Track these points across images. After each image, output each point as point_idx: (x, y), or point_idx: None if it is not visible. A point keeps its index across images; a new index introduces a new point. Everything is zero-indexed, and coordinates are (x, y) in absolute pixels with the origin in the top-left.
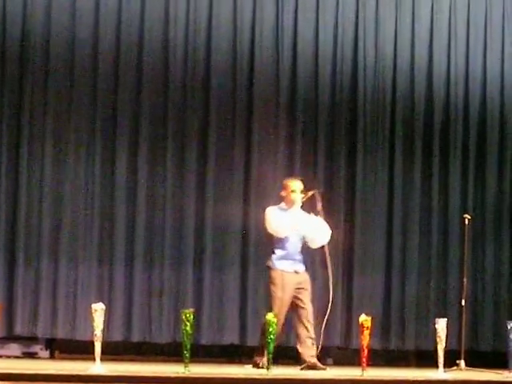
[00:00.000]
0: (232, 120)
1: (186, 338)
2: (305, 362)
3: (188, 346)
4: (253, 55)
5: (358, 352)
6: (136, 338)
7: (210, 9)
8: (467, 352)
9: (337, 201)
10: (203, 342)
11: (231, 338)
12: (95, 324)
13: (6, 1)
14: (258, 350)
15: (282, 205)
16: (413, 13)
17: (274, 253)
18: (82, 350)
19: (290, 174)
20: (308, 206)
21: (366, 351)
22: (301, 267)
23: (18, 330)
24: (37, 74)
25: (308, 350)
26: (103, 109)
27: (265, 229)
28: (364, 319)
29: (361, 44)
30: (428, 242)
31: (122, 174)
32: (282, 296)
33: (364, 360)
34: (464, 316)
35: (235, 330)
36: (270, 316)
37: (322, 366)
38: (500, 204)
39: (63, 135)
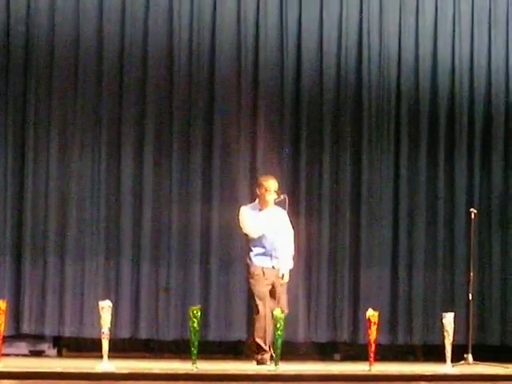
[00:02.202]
0: (237, 118)
1: (193, 335)
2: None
3: (195, 343)
4: (257, 52)
5: (365, 347)
6: (143, 335)
7: (214, 7)
8: (475, 346)
9: (342, 196)
10: (210, 338)
11: (238, 334)
12: (102, 321)
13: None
14: (255, 347)
15: (256, 204)
16: (417, 5)
17: (251, 250)
18: (89, 347)
19: (296, 171)
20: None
21: (373, 346)
22: (277, 263)
23: (26, 328)
24: (41, 73)
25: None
26: (108, 107)
27: (239, 228)
28: (371, 314)
29: (365, 39)
30: (434, 237)
31: (127, 172)
32: (261, 290)
33: (371, 355)
34: (471, 310)
35: (242, 327)
36: (277, 312)
37: (268, 362)
38: (506, 197)
39: (68, 134)
